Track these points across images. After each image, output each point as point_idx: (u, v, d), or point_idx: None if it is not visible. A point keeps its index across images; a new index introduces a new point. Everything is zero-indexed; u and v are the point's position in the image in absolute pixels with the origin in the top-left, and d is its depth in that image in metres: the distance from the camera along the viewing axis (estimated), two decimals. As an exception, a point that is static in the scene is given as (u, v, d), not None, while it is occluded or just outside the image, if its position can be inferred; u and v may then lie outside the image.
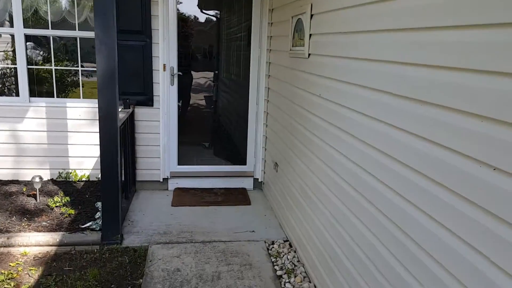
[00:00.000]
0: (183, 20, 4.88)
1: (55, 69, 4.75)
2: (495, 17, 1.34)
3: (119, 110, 4.02)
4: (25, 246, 3.45)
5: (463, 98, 1.48)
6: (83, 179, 4.83)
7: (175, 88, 4.71)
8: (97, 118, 3.42)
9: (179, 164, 4.91)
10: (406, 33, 1.87)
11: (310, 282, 3.14)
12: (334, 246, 2.71)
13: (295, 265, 3.36)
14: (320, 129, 2.95)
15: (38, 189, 4.19)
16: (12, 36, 4.55)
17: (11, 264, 3.22)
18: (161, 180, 4.84)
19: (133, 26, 4.41)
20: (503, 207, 1.30)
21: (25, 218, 3.83)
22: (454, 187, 1.52)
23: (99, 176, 3.46)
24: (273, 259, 3.42)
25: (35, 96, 4.72)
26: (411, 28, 1.82)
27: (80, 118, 4.69)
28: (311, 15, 3.13)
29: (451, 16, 1.56)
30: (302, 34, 3.32)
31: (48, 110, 4.65)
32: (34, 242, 3.47)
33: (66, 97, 4.89)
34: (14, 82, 4.69)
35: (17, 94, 4.65)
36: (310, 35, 3.16)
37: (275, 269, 3.28)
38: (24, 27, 4.49)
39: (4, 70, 4.78)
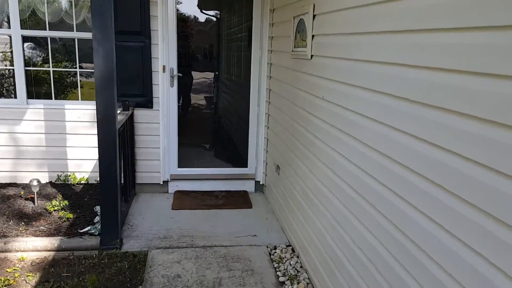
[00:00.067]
0: (182, 21, 4.82)
1: (53, 70, 4.69)
2: (496, 20, 1.32)
3: (118, 112, 3.96)
4: (23, 251, 3.39)
5: (463, 100, 1.47)
6: (82, 182, 4.77)
7: (175, 89, 4.65)
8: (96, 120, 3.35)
9: (179, 166, 4.85)
10: (408, 35, 1.82)
11: (313, 288, 3.08)
12: (335, 249, 2.65)
13: (298, 271, 3.29)
14: (322, 132, 2.89)
15: (36, 192, 4.12)
16: (11, 37, 4.48)
17: (8, 270, 3.15)
18: (161, 183, 4.77)
19: (132, 27, 4.35)
20: (503, 209, 1.29)
21: (22, 223, 3.77)
22: (455, 189, 1.51)
23: (98, 179, 3.40)
24: (276, 265, 3.36)
25: (34, 98, 4.65)
26: (415, 30, 1.76)
27: (79, 120, 4.62)
28: (314, 16, 3.06)
29: (454, 18, 1.51)
30: (304, 35, 3.25)
31: (46, 112, 4.58)
32: (31, 247, 3.41)
33: (66, 99, 4.82)
34: (13, 84, 4.62)
35: (16, 96, 4.59)
36: (313, 36, 3.10)
37: (278, 275, 3.21)
38: (21, 28, 4.43)
39: (3, 72, 4.71)
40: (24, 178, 4.63)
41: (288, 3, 3.78)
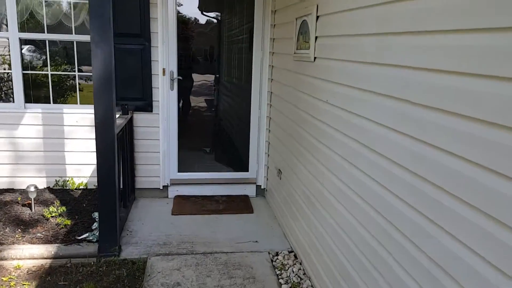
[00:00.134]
0: (183, 23, 4.75)
1: (51, 74, 4.61)
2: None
3: (117, 116, 3.88)
4: (19, 259, 3.30)
5: (467, 103, 1.44)
6: (81, 187, 4.69)
7: (175, 93, 4.57)
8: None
9: (179, 171, 4.77)
10: (418, 37, 1.74)
11: (317, 296, 3.00)
12: (340, 256, 2.58)
13: (301, 279, 3.21)
14: (326, 136, 2.81)
15: (34, 198, 4.04)
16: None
17: (3, 278, 3.07)
18: (161, 188, 4.69)
19: (131, 29, 4.27)
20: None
21: (19, 230, 3.68)
22: (471, 199, 1.44)
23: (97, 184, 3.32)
24: (278, 272, 3.27)
25: (32, 102, 4.58)
26: (426, 31, 1.68)
27: (77, 124, 4.55)
28: (317, 17, 2.99)
29: (463, 20, 1.45)
30: (307, 36, 3.18)
31: (44, 116, 4.51)
32: (28, 255, 3.33)
33: (65, 102, 4.75)
34: (12, 87, 4.55)
35: (13, 100, 4.51)
36: (316, 37, 3.02)
37: (280, 283, 3.13)
38: (20, 31, 4.37)
39: (2, 75, 4.64)
40: (22, 183, 4.55)
41: (290, 4, 3.71)
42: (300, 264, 3.37)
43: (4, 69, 4.55)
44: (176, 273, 3.20)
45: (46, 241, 3.52)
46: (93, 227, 3.67)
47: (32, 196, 3.98)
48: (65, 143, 4.59)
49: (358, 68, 2.32)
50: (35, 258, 3.33)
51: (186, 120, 5.11)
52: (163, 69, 4.43)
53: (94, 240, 3.48)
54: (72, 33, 4.49)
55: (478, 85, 1.39)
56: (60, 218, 3.89)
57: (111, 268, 3.25)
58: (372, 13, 2.15)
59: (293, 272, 3.27)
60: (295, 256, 3.50)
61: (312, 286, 3.10)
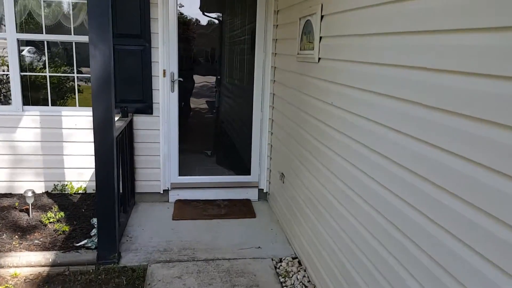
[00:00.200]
0: (184, 24, 4.67)
1: (50, 75, 4.53)
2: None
3: (117, 119, 3.80)
4: (16, 266, 3.21)
5: (483, 106, 1.37)
6: (80, 191, 4.60)
7: (175, 95, 4.48)
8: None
9: (180, 174, 4.68)
10: (427, 36, 1.65)
11: (322, 305, 2.90)
12: (345, 262, 2.49)
13: (306, 286, 3.11)
14: (331, 139, 2.71)
15: (31, 203, 3.95)
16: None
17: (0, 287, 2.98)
18: (162, 192, 4.60)
19: (131, 30, 4.19)
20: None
21: (16, 236, 3.59)
22: (479, 203, 1.39)
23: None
24: (282, 279, 3.17)
25: (31, 104, 4.49)
26: (437, 30, 1.59)
27: (76, 127, 4.46)
28: (322, 16, 2.90)
29: (489, 18, 1.34)
30: (311, 37, 3.08)
31: (43, 119, 4.42)
32: (25, 263, 3.24)
33: (65, 104, 4.66)
34: (11, 89, 4.46)
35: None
36: (320, 37, 2.93)
37: (284, 291, 3.03)
38: (19, 32, 4.28)
39: (0, 77, 4.56)
40: (19, 188, 4.47)
41: (293, 3, 3.62)
42: (305, 271, 3.27)
43: (3, 71, 4.47)
44: (177, 281, 3.10)
45: (44, 248, 3.43)
46: (92, 234, 3.58)
47: (30, 201, 3.89)
48: (64, 147, 4.50)
49: (365, 69, 2.22)
50: (32, 266, 3.23)
51: (187, 122, 5.02)
52: (164, 70, 4.34)
53: (93, 247, 3.39)
54: (71, 34, 4.40)
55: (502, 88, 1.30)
56: (58, 224, 3.80)
57: (110, 276, 3.16)
58: (381, 12, 2.06)
59: (298, 279, 3.17)
60: (299, 263, 3.40)
61: (317, 294, 3.01)
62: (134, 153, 4.41)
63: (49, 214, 3.90)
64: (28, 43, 4.56)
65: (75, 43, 4.46)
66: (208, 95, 5.29)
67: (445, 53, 1.54)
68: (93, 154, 3.14)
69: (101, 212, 3.26)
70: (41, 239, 3.55)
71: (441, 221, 1.57)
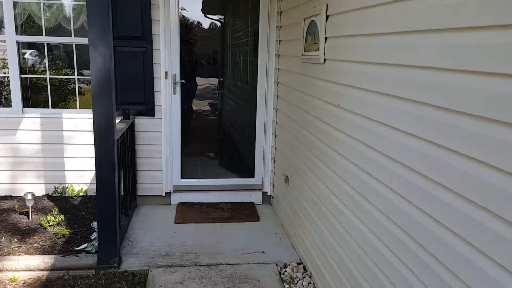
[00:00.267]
0: (186, 25, 4.61)
1: (51, 78, 4.48)
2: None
3: (118, 121, 3.74)
4: (14, 270, 3.16)
5: (496, 108, 1.31)
6: (81, 194, 4.54)
7: (177, 97, 4.42)
8: (93, 130, 3.13)
9: (182, 177, 4.62)
10: (441, 35, 1.58)
11: (328, 312, 2.82)
12: (353, 269, 2.42)
13: (310, 293, 3.04)
14: (337, 142, 2.65)
15: (31, 206, 3.89)
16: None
17: (-3, 292, 2.92)
18: (164, 195, 4.54)
19: (132, 32, 4.13)
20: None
21: (15, 239, 3.53)
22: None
23: (96, 192, 3.17)
24: (287, 286, 3.10)
25: (31, 107, 4.44)
26: (451, 28, 1.52)
27: (77, 129, 4.41)
28: (327, 17, 2.83)
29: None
30: (316, 37, 3.02)
31: (43, 121, 4.37)
32: (24, 267, 3.18)
33: (67, 107, 4.61)
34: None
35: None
36: (326, 38, 2.86)
37: (289, 297, 2.96)
38: (19, 34, 4.24)
39: (1, 79, 4.51)
40: (19, 190, 4.41)
41: (297, 4, 3.56)
42: (310, 277, 3.20)
43: (4, 73, 4.42)
44: (179, 287, 3.03)
45: (43, 251, 3.37)
46: (92, 237, 3.51)
47: (29, 204, 3.84)
48: (65, 149, 4.44)
49: (373, 70, 2.16)
50: (31, 270, 3.18)
51: (189, 124, 4.97)
52: (166, 72, 4.28)
53: (93, 251, 3.33)
54: (71, 36, 4.36)
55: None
56: (58, 227, 3.74)
57: (111, 281, 3.09)
58: (389, 10, 1.99)
59: (303, 286, 3.10)
60: (304, 268, 3.33)
61: (322, 300, 2.93)
62: (136, 155, 4.36)
63: (49, 217, 3.84)
64: (30, 46, 4.52)
65: (77, 45, 4.41)
66: (211, 97, 5.24)
67: (461, 52, 1.48)
68: (94, 156, 3.08)
69: (101, 215, 3.20)
70: (40, 243, 3.49)
71: (456, 228, 1.50)
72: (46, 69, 4.46)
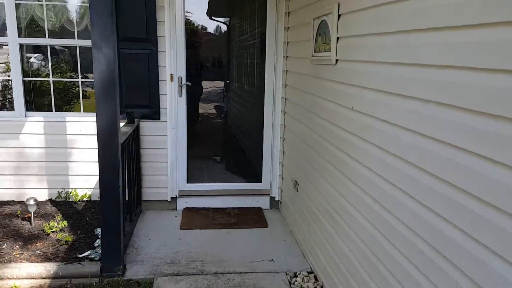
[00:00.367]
0: (191, 27, 4.53)
1: (55, 81, 4.40)
2: None
3: (122, 124, 3.65)
4: (15, 278, 3.07)
5: None
6: (84, 199, 4.44)
7: (183, 99, 4.33)
8: (97, 134, 3.03)
9: (188, 181, 4.51)
10: (463, 32, 1.48)
11: (340, 324, 2.70)
12: (368, 280, 2.28)
13: (322, 303, 2.92)
14: (351, 146, 2.53)
15: (34, 211, 3.80)
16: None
17: (-2, 301, 2.83)
18: (169, 200, 4.44)
19: (137, 33, 4.04)
20: None
21: (17, 246, 3.44)
22: None
23: (100, 197, 3.07)
24: (297, 295, 2.99)
25: (34, 110, 4.36)
26: (477, 24, 1.41)
27: (81, 133, 4.32)
28: (339, 16, 2.72)
29: None
30: (327, 37, 2.91)
31: (46, 125, 4.29)
32: (25, 275, 3.09)
33: (71, 110, 4.53)
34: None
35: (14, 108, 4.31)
36: (338, 38, 2.75)
37: (299, 308, 2.84)
38: (22, 36, 4.16)
39: (5, 83, 4.44)
40: (22, 195, 4.32)
41: (306, 4, 3.45)
42: (321, 287, 3.08)
43: (8, 76, 4.34)
44: (185, 296, 2.93)
45: (46, 258, 3.27)
46: (96, 244, 3.41)
47: (32, 209, 3.74)
48: (68, 153, 4.36)
49: (391, 71, 2.04)
50: (33, 278, 3.09)
51: (195, 128, 4.88)
52: (171, 74, 4.19)
53: (97, 259, 3.23)
54: (74, 38, 4.27)
55: None
56: (61, 233, 3.65)
57: (115, 290, 2.99)
58: (407, 7, 1.88)
59: (313, 295, 2.99)
60: (316, 278, 3.20)
61: (334, 312, 2.81)
62: (141, 159, 4.26)
63: (52, 223, 3.74)
64: (36, 50, 4.44)
65: (81, 49, 4.34)
66: (217, 100, 5.16)
67: (491, 51, 1.36)
68: (98, 161, 2.99)
69: (105, 222, 3.10)
70: (42, 250, 3.40)
71: (482, 237, 1.39)
72: (53, 72, 4.38)
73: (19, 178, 4.35)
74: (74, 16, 4.30)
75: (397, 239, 1.97)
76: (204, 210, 4.45)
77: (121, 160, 3.08)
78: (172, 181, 4.41)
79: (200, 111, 5.04)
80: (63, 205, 4.30)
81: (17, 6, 4.10)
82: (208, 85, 5.02)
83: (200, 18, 4.73)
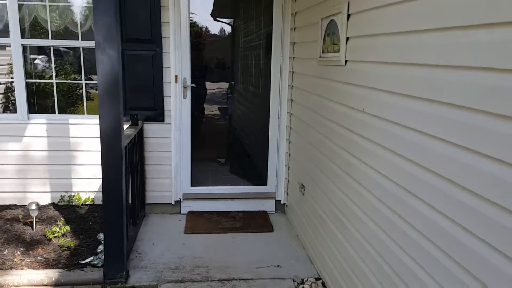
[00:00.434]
0: (196, 28, 4.45)
1: (58, 82, 4.34)
2: None
3: (126, 127, 3.58)
4: (16, 286, 3.00)
5: None
6: (87, 202, 4.37)
7: (188, 101, 4.26)
8: (101, 136, 2.96)
9: (192, 184, 4.44)
10: (481, 31, 1.39)
11: (350, 333, 2.61)
12: (378, 287, 2.20)
13: (331, 311, 2.83)
14: (361, 149, 2.44)
15: (36, 216, 3.73)
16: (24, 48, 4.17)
17: (-2, 309, 2.76)
18: (173, 203, 4.36)
19: (141, 35, 3.98)
20: None
21: (18, 252, 3.37)
22: None
23: (103, 202, 3.00)
24: (304, 303, 2.90)
25: (37, 113, 4.29)
26: (497, 23, 1.33)
27: (84, 136, 4.25)
28: (348, 15, 2.64)
29: None
30: (336, 38, 2.83)
31: (49, 127, 4.22)
32: (26, 282, 3.02)
33: (75, 112, 4.46)
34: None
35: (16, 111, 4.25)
36: (347, 38, 2.67)
37: (308, 317, 2.76)
38: (26, 37, 4.11)
39: (9, 85, 4.38)
40: (24, 199, 4.26)
41: (314, 4, 3.37)
42: (330, 294, 3.00)
43: (12, 78, 4.29)
44: (189, 304, 2.85)
45: (47, 265, 3.20)
46: (99, 250, 3.34)
47: (34, 214, 3.68)
48: (71, 156, 4.29)
49: (404, 71, 1.96)
50: (34, 285, 3.02)
51: (199, 129, 4.80)
52: (176, 76, 4.12)
53: (99, 265, 3.16)
54: (78, 39, 4.21)
55: None
56: (63, 238, 3.58)
57: (118, 297, 2.92)
58: (419, 6, 1.80)
59: (322, 303, 2.90)
60: (323, 285, 3.12)
61: (344, 320, 2.72)
62: (145, 162, 4.19)
63: (54, 228, 3.67)
64: (40, 51, 4.39)
65: (86, 51, 4.27)
66: (222, 101, 5.07)
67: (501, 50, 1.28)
68: (101, 164, 2.92)
69: (108, 228, 3.03)
70: (44, 256, 3.33)
71: (499, 244, 1.30)
72: (57, 74, 4.32)
73: (21, 181, 4.28)
74: (78, 17, 4.24)
75: (408, 244, 1.89)
76: (209, 214, 4.37)
77: (124, 163, 3.01)
78: (176, 184, 4.34)
79: (205, 112, 4.96)
80: (65, 209, 4.23)
81: (20, 6, 4.04)
82: (212, 87, 4.95)
83: (205, 19, 4.65)
